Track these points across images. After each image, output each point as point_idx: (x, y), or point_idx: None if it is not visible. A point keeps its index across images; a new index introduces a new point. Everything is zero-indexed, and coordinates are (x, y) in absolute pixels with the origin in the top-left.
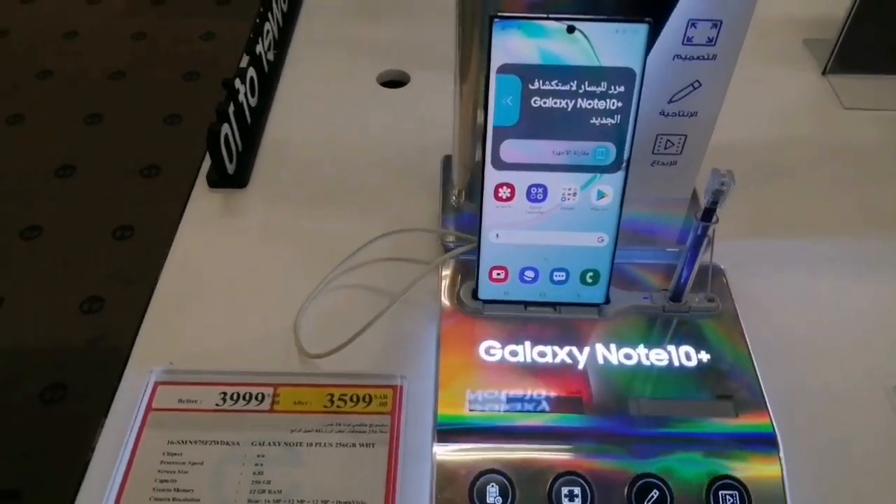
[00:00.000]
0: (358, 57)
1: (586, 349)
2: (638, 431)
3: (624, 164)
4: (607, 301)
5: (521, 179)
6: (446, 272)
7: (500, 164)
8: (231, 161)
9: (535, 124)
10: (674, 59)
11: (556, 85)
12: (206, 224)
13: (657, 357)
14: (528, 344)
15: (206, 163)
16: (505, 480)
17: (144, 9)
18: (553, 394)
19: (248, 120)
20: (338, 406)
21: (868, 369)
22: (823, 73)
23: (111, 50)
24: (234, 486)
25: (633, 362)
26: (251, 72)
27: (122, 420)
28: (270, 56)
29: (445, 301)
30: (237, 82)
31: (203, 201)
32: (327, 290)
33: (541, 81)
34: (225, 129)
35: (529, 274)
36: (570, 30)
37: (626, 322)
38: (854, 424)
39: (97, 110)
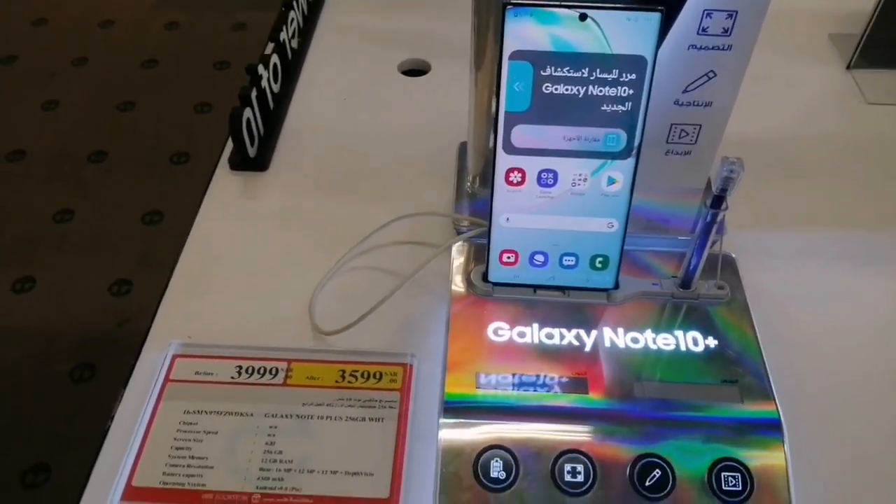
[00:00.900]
0: (380, 46)
1: (594, 332)
2: (642, 413)
3: (634, 151)
4: (616, 286)
5: (532, 164)
6: (458, 256)
7: (511, 149)
8: (252, 144)
9: (546, 110)
10: (689, 48)
11: (568, 72)
12: (227, 205)
13: (664, 341)
14: (535, 326)
15: (230, 146)
16: (509, 456)
17: None
18: (559, 374)
19: (271, 105)
20: (349, 381)
21: (877, 363)
22: (848, 67)
23: (145, 39)
24: (246, 455)
25: (639, 346)
26: (275, 58)
27: (141, 391)
28: (294, 44)
29: (457, 283)
30: (260, 68)
31: (224, 183)
32: (342, 271)
33: (552, 68)
34: (247, 113)
35: (539, 258)
36: (583, 17)
37: (634, 307)
38: (860, 415)
39: (130, 98)
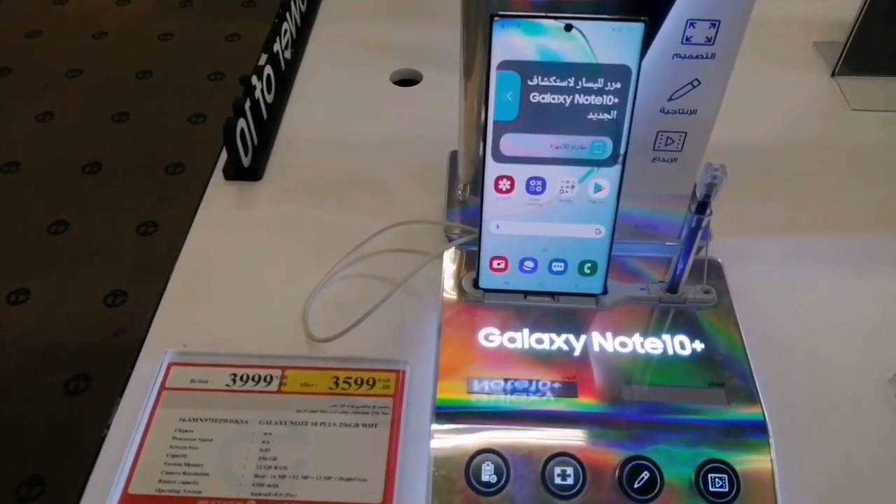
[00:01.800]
0: (372, 56)
1: (583, 337)
2: (630, 416)
3: (620, 159)
4: (605, 291)
5: (521, 172)
6: (450, 263)
7: (500, 157)
8: (246, 154)
9: (534, 119)
10: (673, 57)
11: (555, 81)
12: (222, 214)
13: (652, 345)
14: (526, 331)
15: (224, 156)
16: (500, 460)
17: (172, 10)
18: (549, 379)
19: (265, 115)
20: (343, 388)
21: (860, 365)
22: (832, 74)
23: (139, 50)
24: (241, 461)
25: (628, 350)
26: (268, 69)
27: (137, 399)
28: (287, 55)
29: (448, 290)
30: (254, 79)
31: (219, 193)
32: (336, 279)
33: (539, 78)
34: (241, 123)
35: (529, 264)
36: (568, 28)
37: (622, 312)
38: (844, 416)
39: (124, 109)
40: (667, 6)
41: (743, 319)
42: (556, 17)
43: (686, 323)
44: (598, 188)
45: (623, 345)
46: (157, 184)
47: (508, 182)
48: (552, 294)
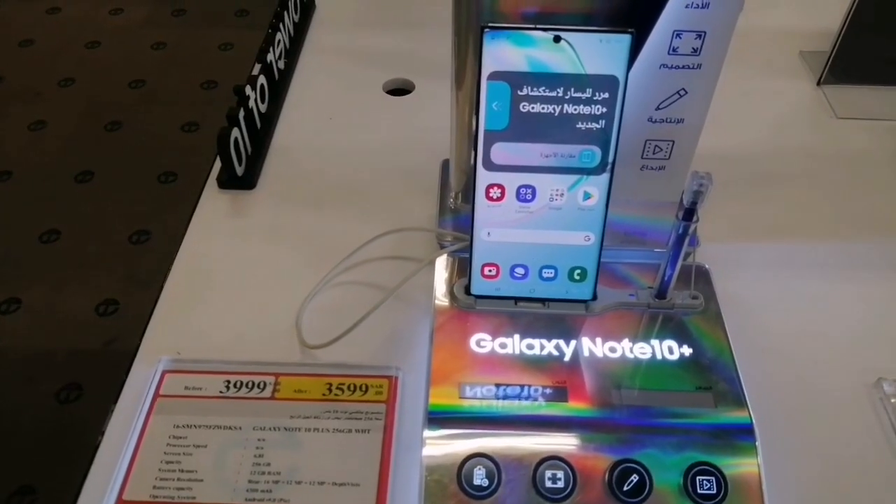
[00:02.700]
0: (365, 66)
1: (573, 342)
2: (620, 420)
3: (609, 167)
4: (594, 297)
5: (511, 180)
6: (442, 270)
7: (490, 166)
8: (240, 163)
9: (523, 128)
10: (660, 68)
11: (544, 91)
12: (215, 223)
13: (641, 350)
14: (517, 337)
15: (217, 165)
16: (492, 464)
17: (165, 19)
18: (540, 384)
19: (258, 125)
20: (336, 394)
21: (846, 369)
22: (818, 83)
23: (132, 59)
24: (235, 467)
25: (617, 355)
26: (262, 79)
27: (131, 406)
28: (281, 64)
29: (440, 297)
30: (248, 89)
31: (213, 201)
32: (329, 286)
33: (529, 88)
34: (235, 132)
35: (519, 271)
36: (557, 39)
37: (612, 318)
38: (831, 419)
39: (117, 118)
40: (654, 18)
41: (730, 324)
42: (545, 29)
43: (674, 328)
44: (587, 196)
45: (612, 350)
46: (150, 193)
47: (499, 190)
48: (543, 300)
